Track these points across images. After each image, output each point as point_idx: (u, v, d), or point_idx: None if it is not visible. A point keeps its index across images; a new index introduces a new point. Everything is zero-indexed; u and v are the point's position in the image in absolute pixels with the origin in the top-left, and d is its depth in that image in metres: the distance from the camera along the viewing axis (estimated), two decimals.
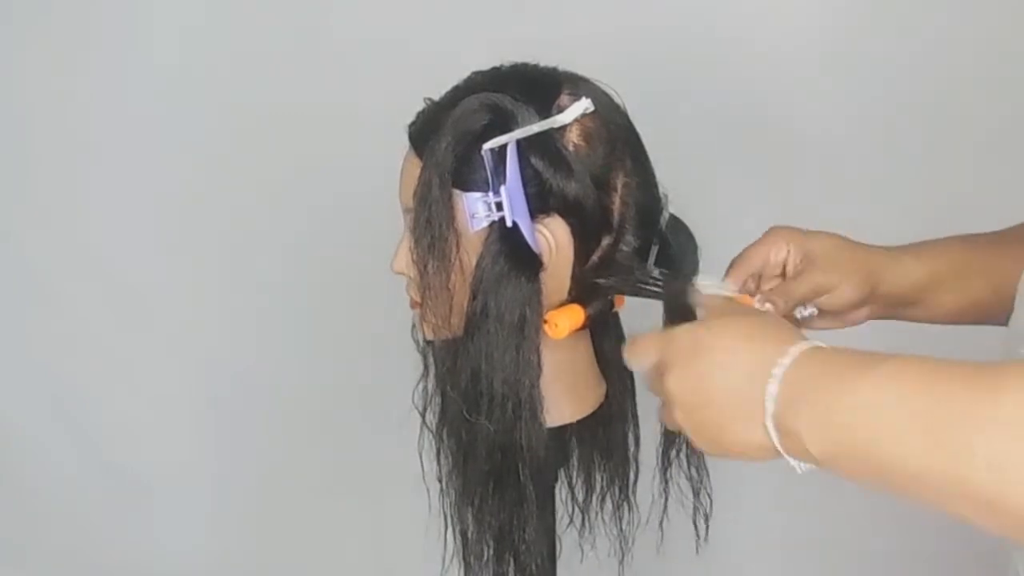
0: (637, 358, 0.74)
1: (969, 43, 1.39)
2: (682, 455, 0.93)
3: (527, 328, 0.81)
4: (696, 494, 0.95)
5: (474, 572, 0.89)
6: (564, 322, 0.83)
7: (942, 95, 1.41)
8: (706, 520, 0.96)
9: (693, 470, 0.93)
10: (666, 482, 0.95)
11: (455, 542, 0.90)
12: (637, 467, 0.98)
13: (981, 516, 0.54)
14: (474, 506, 0.87)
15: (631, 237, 0.85)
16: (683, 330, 0.71)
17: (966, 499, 0.54)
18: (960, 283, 0.88)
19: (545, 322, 0.83)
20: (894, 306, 0.90)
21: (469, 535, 0.88)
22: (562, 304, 0.85)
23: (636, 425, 0.97)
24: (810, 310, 0.89)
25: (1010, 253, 0.87)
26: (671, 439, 0.92)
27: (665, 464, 0.94)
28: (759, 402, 0.63)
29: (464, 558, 0.90)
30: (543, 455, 0.84)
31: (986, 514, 0.54)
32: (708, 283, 0.84)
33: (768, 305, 0.85)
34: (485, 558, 0.88)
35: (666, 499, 0.96)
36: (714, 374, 0.67)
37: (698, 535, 0.97)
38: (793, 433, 0.62)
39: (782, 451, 0.63)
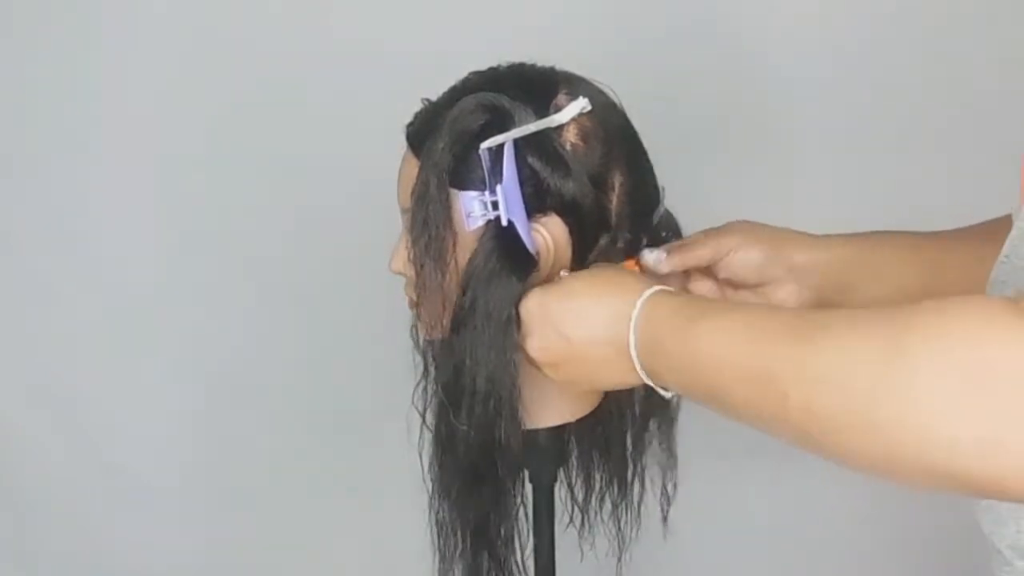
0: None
1: (971, 42, 1.39)
2: (655, 442, 0.94)
3: (512, 327, 0.81)
4: (664, 478, 0.96)
5: (447, 564, 0.90)
6: None
7: (943, 94, 1.41)
8: (667, 503, 0.99)
9: (663, 456, 0.95)
10: (641, 468, 0.96)
11: (431, 535, 0.90)
12: (635, 467, 0.98)
13: (812, 450, 0.61)
14: (450, 500, 0.88)
15: (627, 234, 0.85)
16: (531, 296, 0.79)
17: (792, 435, 0.61)
18: (892, 274, 0.87)
19: None
20: (820, 288, 0.87)
21: (445, 528, 0.89)
22: None
23: (635, 424, 0.97)
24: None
25: (956, 251, 0.86)
26: (644, 427, 0.95)
27: (638, 451, 0.95)
28: (626, 348, 0.71)
29: (439, 550, 0.90)
30: (521, 454, 0.85)
31: (814, 449, 0.60)
32: (650, 256, 0.86)
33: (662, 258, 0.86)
34: (459, 551, 0.89)
35: (643, 484, 0.97)
36: (571, 332, 0.75)
37: (665, 519, 0.98)
38: (655, 373, 0.71)
39: (654, 386, 0.72)
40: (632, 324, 0.71)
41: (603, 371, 0.75)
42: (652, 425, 0.95)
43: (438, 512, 0.89)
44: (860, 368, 0.56)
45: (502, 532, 0.88)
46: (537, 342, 0.78)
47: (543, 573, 1.02)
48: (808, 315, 0.64)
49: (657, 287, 0.73)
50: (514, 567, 0.89)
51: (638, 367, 0.71)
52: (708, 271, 0.88)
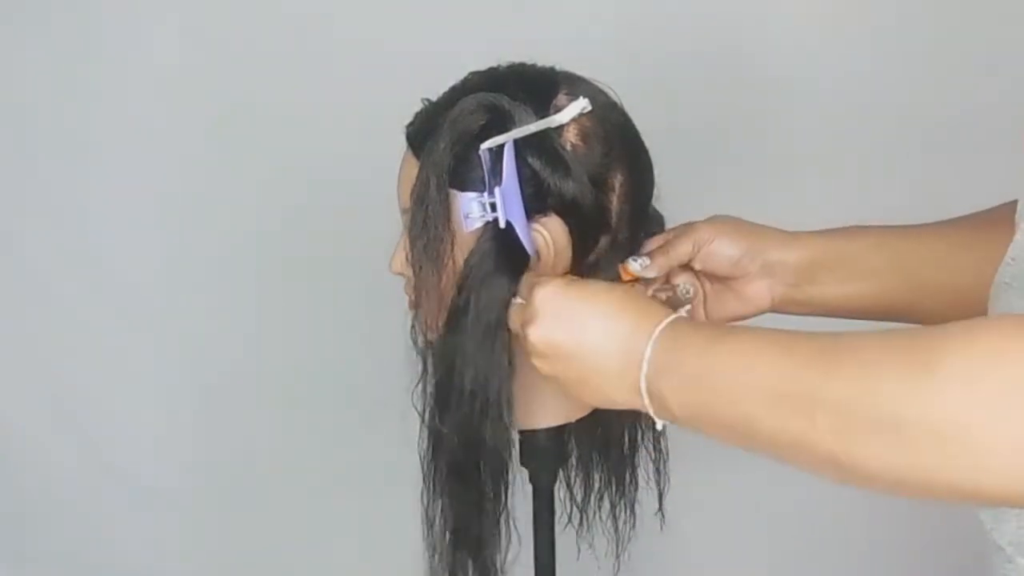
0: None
1: (971, 43, 1.39)
2: (647, 439, 0.94)
3: (502, 329, 0.81)
4: (657, 473, 0.96)
5: (434, 556, 0.90)
6: None
7: (944, 94, 1.41)
8: (660, 499, 0.98)
9: (656, 452, 0.95)
10: (634, 467, 0.96)
11: (422, 527, 0.91)
12: (635, 467, 0.98)
13: (831, 473, 0.60)
14: (435, 494, 0.88)
15: (628, 234, 0.85)
16: (549, 284, 0.76)
17: (814, 458, 0.60)
18: (864, 269, 0.87)
19: None
20: (794, 285, 0.87)
21: (432, 521, 0.90)
22: None
23: (634, 425, 0.97)
24: (690, 287, 0.89)
25: (927, 244, 0.87)
26: (634, 425, 0.95)
27: (632, 449, 0.95)
28: (635, 365, 0.69)
29: (425, 539, 0.91)
30: (507, 456, 0.85)
31: (834, 471, 0.59)
32: (635, 264, 0.86)
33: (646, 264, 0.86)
34: (443, 546, 0.89)
35: (636, 482, 0.97)
36: (581, 331, 0.73)
37: (663, 516, 0.98)
38: (658, 396, 0.68)
39: (649, 409, 0.70)
40: (651, 340, 0.69)
41: (596, 381, 0.73)
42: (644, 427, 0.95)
43: (427, 507, 0.90)
44: (890, 388, 0.56)
45: (483, 533, 0.88)
46: (541, 331, 0.75)
47: (543, 573, 1.02)
48: (837, 337, 0.62)
49: (681, 314, 0.72)
50: (491, 568, 0.89)
51: (642, 386, 0.69)
52: (686, 264, 0.89)
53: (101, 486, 1.57)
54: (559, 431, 0.94)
